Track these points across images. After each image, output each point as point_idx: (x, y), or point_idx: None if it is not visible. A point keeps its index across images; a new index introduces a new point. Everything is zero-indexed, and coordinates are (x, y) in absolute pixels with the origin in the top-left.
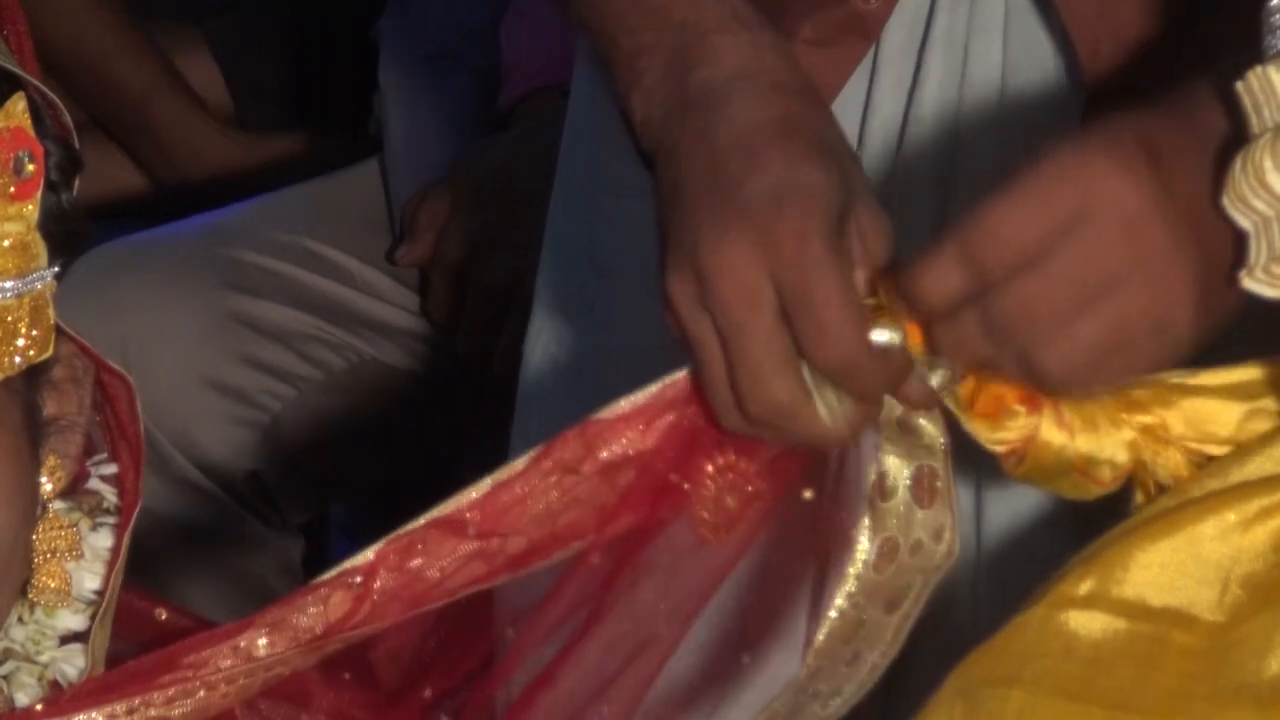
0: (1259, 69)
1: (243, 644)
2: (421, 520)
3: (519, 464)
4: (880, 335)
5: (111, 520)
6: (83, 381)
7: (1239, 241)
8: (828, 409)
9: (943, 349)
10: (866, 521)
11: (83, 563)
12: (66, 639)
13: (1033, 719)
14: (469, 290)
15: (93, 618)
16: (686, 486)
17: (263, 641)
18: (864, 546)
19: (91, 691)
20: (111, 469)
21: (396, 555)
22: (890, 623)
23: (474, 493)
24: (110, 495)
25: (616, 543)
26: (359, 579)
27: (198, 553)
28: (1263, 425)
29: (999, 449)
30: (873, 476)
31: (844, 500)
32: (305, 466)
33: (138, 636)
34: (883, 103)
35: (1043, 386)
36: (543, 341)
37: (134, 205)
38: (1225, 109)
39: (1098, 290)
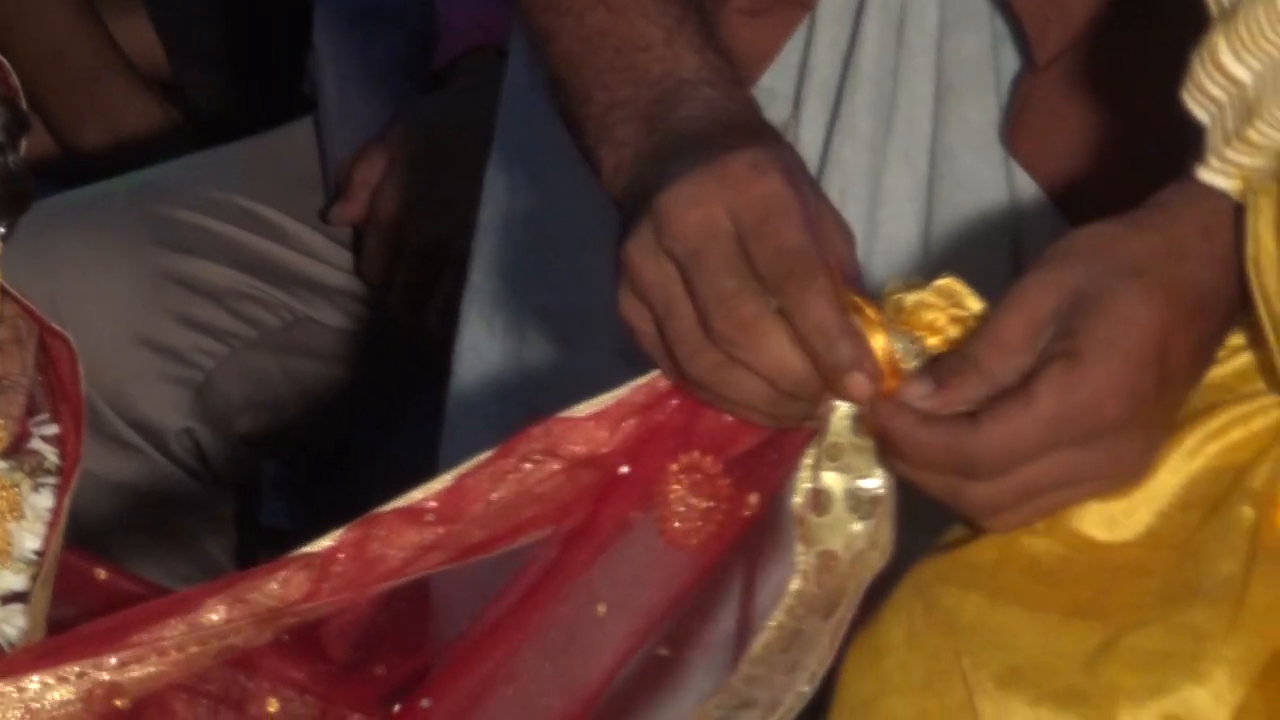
0: None
1: (198, 617)
2: (384, 508)
3: (482, 457)
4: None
5: (53, 481)
6: (26, 342)
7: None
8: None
9: (896, 472)
10: (799, 534)
11: (24, 523)
12: (7, 599)
13: (989, 619)
14: (403, 250)
15: (33, 578)
16: (651, 487)
17: (217, 616)
18: (804, 561)
19: (42, 654)
20: (53, 429)
21: (357, 542)
22: (827, 628)
23: (437, 484)
24: (52, 455)
25: (579, 538)
26: (319, 562)
27: (130, 510)
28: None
29: None
30: (799, 496)
31: (780, 511)
32: (238, 424)
33: (77, 597)
34: (819, 66)
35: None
36: (479, 303)
37: (45, 168)
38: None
39: (1065, 484)
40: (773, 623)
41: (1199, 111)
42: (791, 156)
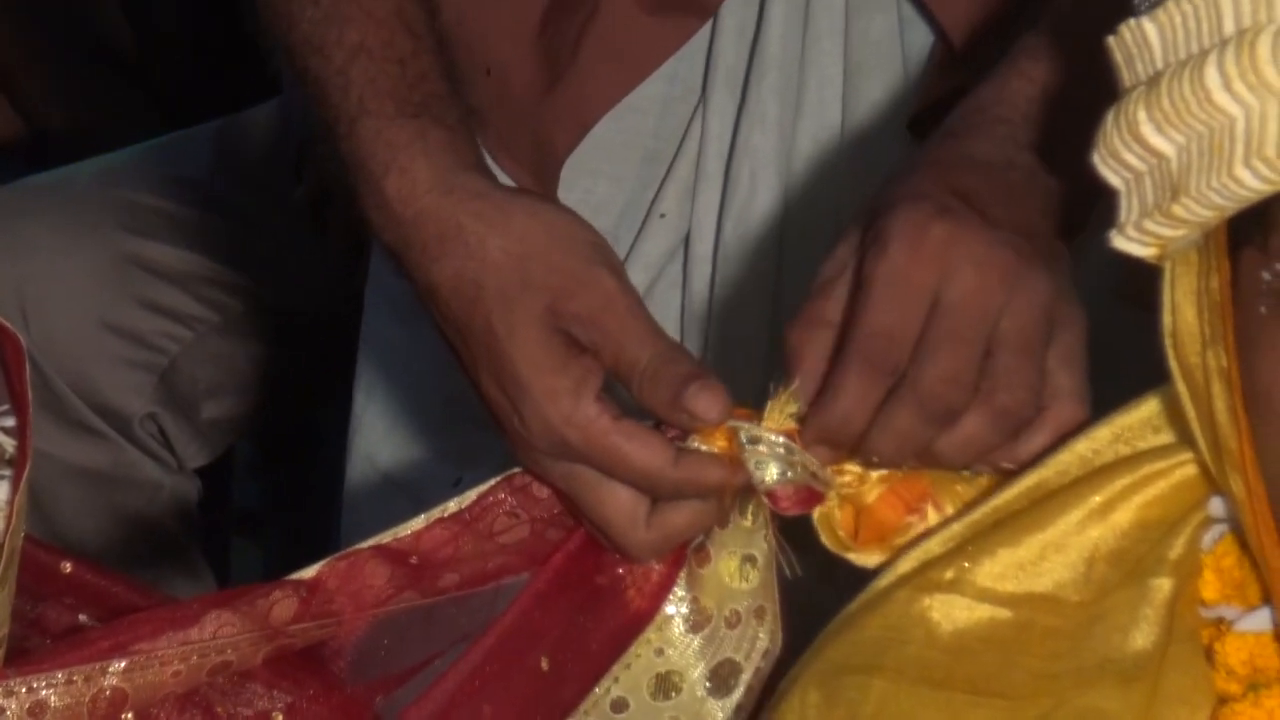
0: (1132, 21)
1: (193, 631)
2: (364, 545)
3: (452, 505)
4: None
5: (9, 473)
6: None
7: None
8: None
9: (885, 456)
10: (684, 574)
11: None
12: None
13: (894, 707)
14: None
15: None
16: (620, 571)
17: (210, 630)
18: (678, 594)
19: (48, 656)
20: (13, 421)
21: (338, 576)
22: (719, 705)
23: (412, 527)
24: (11, 447)
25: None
26: (305, 590)
27: (94, 496)
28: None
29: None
30: (695, 541)
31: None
32: (203, 409)
33: (43, 589)
34: (725, 52)
35: (1015, 422)
36: (381, 289)
37: (14, 150)
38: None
39: (992, 323)
40: (636, 650)
41: (1111, 177)
42: (500, 312)
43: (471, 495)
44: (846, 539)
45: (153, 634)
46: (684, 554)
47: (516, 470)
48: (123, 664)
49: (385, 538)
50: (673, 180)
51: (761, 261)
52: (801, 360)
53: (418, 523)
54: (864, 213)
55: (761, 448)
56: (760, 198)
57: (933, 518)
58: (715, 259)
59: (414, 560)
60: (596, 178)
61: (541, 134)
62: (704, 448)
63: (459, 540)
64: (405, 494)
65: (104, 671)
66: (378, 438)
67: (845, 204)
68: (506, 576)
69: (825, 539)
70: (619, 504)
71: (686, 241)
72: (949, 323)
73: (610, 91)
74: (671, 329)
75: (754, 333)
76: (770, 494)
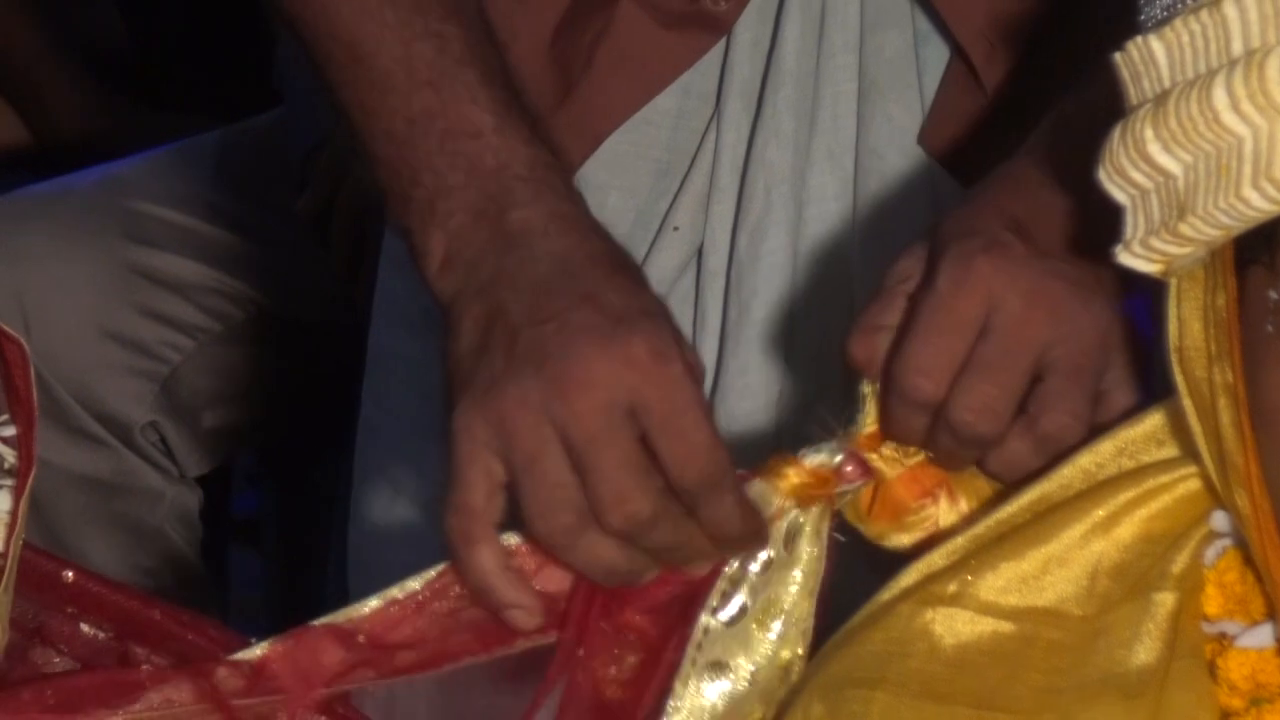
0: (1139, 39)
1: (138, 705)
2: (316, 623)
3: (412, 583)
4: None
5: (10, 482)
6: None
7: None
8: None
9: (941, 465)
10: (696, 642)
11: None
12: None
13: None
14: (369, 240)
15: None
16: (582, 652)
17: (157, 699)
18: (690, 669)
19: None
20: (13, 430)
21: (286, 655)
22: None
23: (366, 607)
24: (11, 457)
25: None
26: (251, 670)
27: (95, 504)
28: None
29: (905, 547)
30: (714, 602)
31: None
32: (204, 418)
33: (44, 599)
34: (740, 64)
35: (1059, 447)
36: (392, 302)
37: (19, 159)
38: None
39: (1035, 354)
40: None
41: (1116, 192)
42: (639, 282)
43: (431, 573)
44: (862, 511)
45: (93, 705)
46: (666, 640)
47: None
48: None
49: (339, 618)
50: (686, 193)
51: (775, 276)
52: (871, 367)
53: (374, 602)
54: (929, 231)
55: (823, 453)
56: (775, 212)
57: (945, 507)
58: (729, 273)
59: (362, 639)
60: (608, 190)
61: (553, 146)
62: (774, 493)
63: (414, 621)
64: (415, 505)
65: None
66: (387, 449)
67: (859, 219)
68: (465, 657)
69: (845, 510)
70: (635, 449)
71: (699, 255)
72: (987, 350)
73: (623, 104)
74: None
75: (768, 347)
76: (839, 471)
